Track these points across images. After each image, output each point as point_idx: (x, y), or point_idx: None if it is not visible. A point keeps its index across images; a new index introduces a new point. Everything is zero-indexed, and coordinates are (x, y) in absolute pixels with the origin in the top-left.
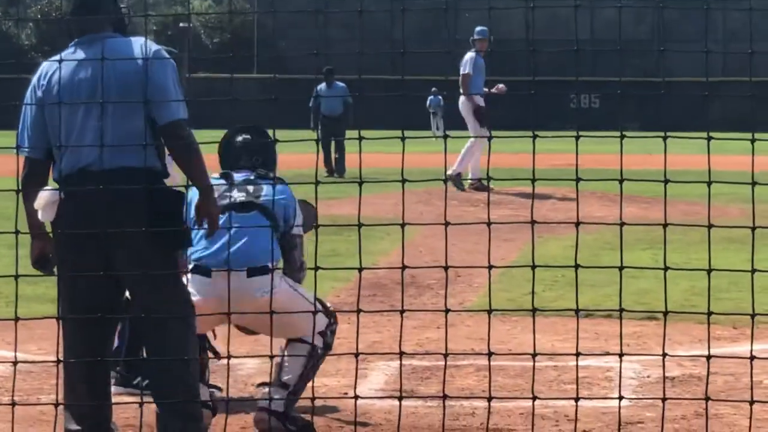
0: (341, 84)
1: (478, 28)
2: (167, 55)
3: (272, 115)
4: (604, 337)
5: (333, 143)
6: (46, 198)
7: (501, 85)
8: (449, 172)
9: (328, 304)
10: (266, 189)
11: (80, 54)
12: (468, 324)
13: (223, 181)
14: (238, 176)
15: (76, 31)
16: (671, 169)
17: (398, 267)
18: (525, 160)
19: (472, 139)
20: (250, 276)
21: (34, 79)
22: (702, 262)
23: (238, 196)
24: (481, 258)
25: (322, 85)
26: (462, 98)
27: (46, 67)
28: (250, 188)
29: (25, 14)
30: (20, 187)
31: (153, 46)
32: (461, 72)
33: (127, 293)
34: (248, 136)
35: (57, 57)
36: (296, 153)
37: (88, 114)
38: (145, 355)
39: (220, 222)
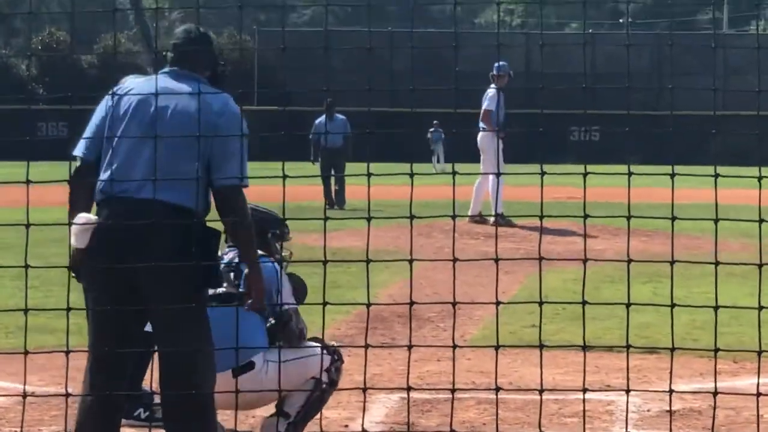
0: (342, 117)
1: (498, 63)
2: (245, 121)
3: (273, 148)
4: (605, 370)
5: (333, 175)
6: (81, 222)
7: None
8: (470, 212)
9: (333, 343)
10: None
11: (167, 83)
12: (468, 357)
13: None
14: (226, 257)
15: (174, 61)
16: (674, 203)
17: (405, 303)
18: (528, 193)
19: (481, 177)
20: (236, 376)
21: (115, 91)
22: (703, 296)
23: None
24: (481, 291)
25: (323, 118)
26: (481, 133)
27: (130, 83)
28: (232, 275)
29: (27, 46)
30: (69, 185)
31: (234, 106)
32: (483, 107)
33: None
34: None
35: (140, 79)
36: (295, 185)
37: (144, 142)
38: (159, 385)
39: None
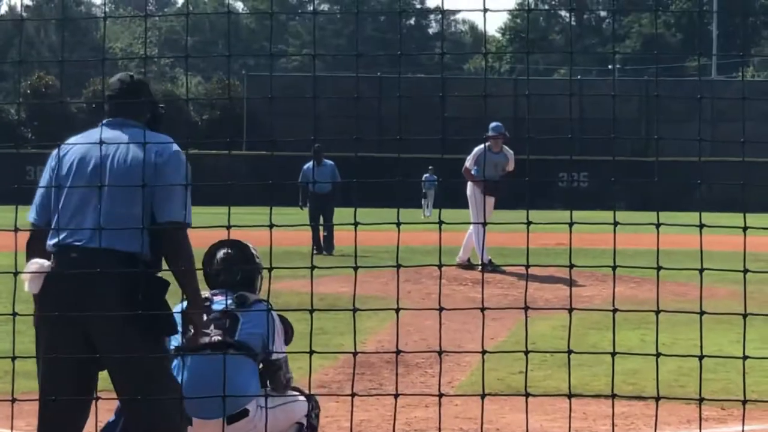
0: (330, 162)
1: (493, 124)
2: (184, 159)
3: (261, 192)
4: (592, 417)
5: (321, 224)
6: (33, 269)
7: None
8: (457, 260)
9: (306, 391)
10: (242, 321)
11: (106, 134)
12: (456, 403)
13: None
14: (216, 302)
15: (111, 112)
16: (661, 249)
17: (392, 351)
18: (516, 239)
19: (472, 226)
20: (230, 423)
21: (53, 154)
22: (689, 342)
23: (214, 334)
24: (469, 337)
25: (311, 164)
26: (468, 184)
27: (69, 143)
28: (227, 323)
29: (14, 89)
30: (26, 249)
31: (174, 147)
32: (465, 164)
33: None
34: (230, 251)
35: (79, 136)
36: (283, 231)
37: (90, 193)
38: None
39: (198, 359)
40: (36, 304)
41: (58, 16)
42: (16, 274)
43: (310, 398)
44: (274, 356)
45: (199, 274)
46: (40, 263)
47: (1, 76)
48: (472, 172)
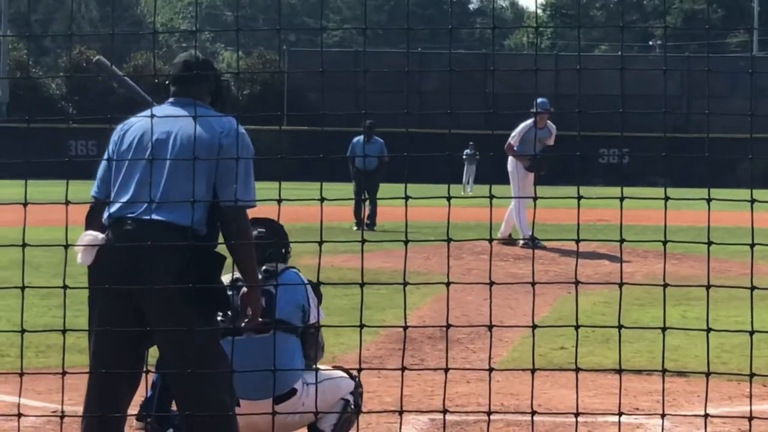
0: (380, 140)
1: (539, 100)
2: (249, 141)
3: (298, 169)
4: (633, 393)
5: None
6: (87, 241)
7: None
8: (499, 235)
9: (354, 373)
10: (278, 297)
11: (169, 111)
12: (498, 379)
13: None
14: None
15: (176, 92)
16: (703, 226)
17: (441, 326)
18: (557, 215)
19: (513, 201)
20: (279, 403)
21: (117, 130)
22: (731, 319)
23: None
24: (510, 313)
25: (360, 138)
26: (509, 159)
27: (132, 119)
28: (264, 301)
29: (55, 65)
30: (85, 222)
31: (240, 128)
32: (509, 140)
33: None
34: (261, 230)
35: (147, 112)
36: (326, 206)
37: (149, 167)
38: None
39: (242, 341)
40: (89, 277)
41: None
42: (66, 247)
43: (354, 377)
44: (312, 319)
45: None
46: (93, 235)
47: (42, 50)
48: (515, 149)
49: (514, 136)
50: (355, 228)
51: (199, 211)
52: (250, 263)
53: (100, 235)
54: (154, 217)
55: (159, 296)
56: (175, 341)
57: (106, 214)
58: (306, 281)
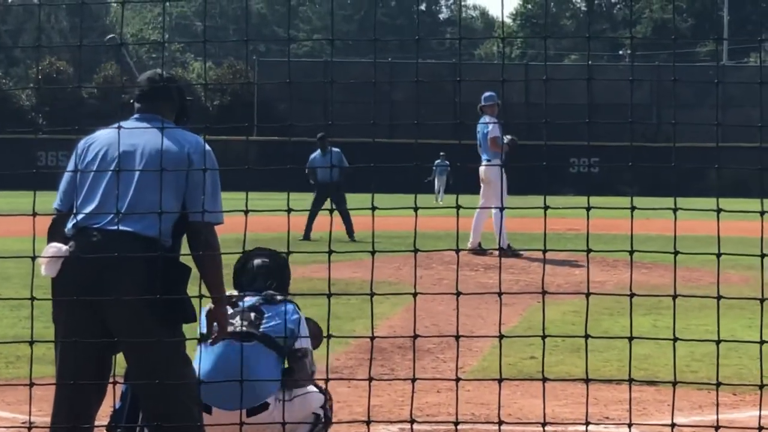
0: (336, 150)
1: (486, 94)
2: (214, 158)
3: (269, 179)
4: (603, 402)
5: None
6: (51, 253)
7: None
8: (469, 245)
9: (322, 386)
10: (268, 316)
11: (135, 125)
12: (468, 389)
13: (229, 308)
14: (246, 300)
15: (140, 109)
16: (672, 235)
17: (409, 336)
18: (527, 224)
19: (493, 211)
20: (250, 416)
21: (81, 143)
22: (702, 328)
23: (239, 324)
24: (480, 322)
25: (317, 153)
26: (485, 165)
27: (98, 133)
28: (253, 316)
29: (25, 75)
30: (47, 234)
31: (206, 144)
32: (489, 136)
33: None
34: (266, 260)
35: (114, 125)
36: (294, 216)
37: (114, 178)
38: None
39: (221, 348)
40: (53, 288)
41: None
42: (33, 258)
43: (323, 390)
44: (298, 344)
45: (228, 276)
46: (57, 247)
47: (12, 61)
48: (501, 140)
49: (495, 129)
50: (301, 239)
51: (165, 223)
52: (216, 277)
53: (64, 247)
54: (120, 227)
55: (125, 307)
56: (141, 352)
57: (69, 224)
58: (302, 316)
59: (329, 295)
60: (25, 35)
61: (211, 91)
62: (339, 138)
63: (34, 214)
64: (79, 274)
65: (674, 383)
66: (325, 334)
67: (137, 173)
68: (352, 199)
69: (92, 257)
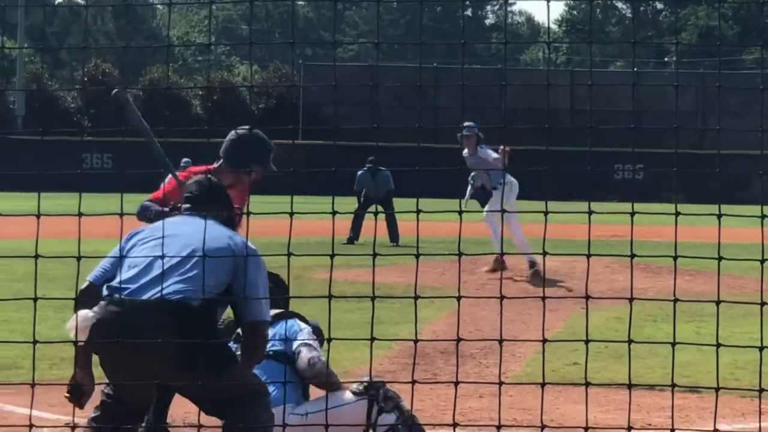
0: (386, 171)
1: (466, 124)
2: (261, 257)
3: (314, 183)
4: (646, 409)
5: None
6: (78, 323)
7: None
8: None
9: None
10: (271, 334)
11: (182, 219)
12: (510, 394)
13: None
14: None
15: (190, 209)
16: (716, 242)
17: (452, 339)
18: (571, 230)
19: (515, 219)
20: None
21: (127, 235)
22: (746, 335)
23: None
24: (523, 328)
25: (365, 171)
26: (504, 176)
27: (152, 224)
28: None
29: (71, 77)
30: (77, 301)
31: (251, 245)
32: (491, 161)
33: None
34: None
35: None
36: (338, 220)
37: (165, 252)
38: None
39: None
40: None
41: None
42: (79, 259)
43: (373, 395)
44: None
45: None
46: (83, 316)
47: (58, 63)
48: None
49: (492, 158)
50: (345, 242)
51: (198, 293)
52: (253, 361)
53: (90, 314)
54: (150, 295)
55: (170, 366)
56: (206, 398)
57: (107, 292)
58: (305, 326)
59: (373, 298)
60: (71, 37)
61: (256, 94)
62: (384, 142)
63: (80, 215)
64: (111, 339)
65: (717, 389)
66: (368, 337)
67: (179, 256)
68: (398, 204)
69: (128, 325)
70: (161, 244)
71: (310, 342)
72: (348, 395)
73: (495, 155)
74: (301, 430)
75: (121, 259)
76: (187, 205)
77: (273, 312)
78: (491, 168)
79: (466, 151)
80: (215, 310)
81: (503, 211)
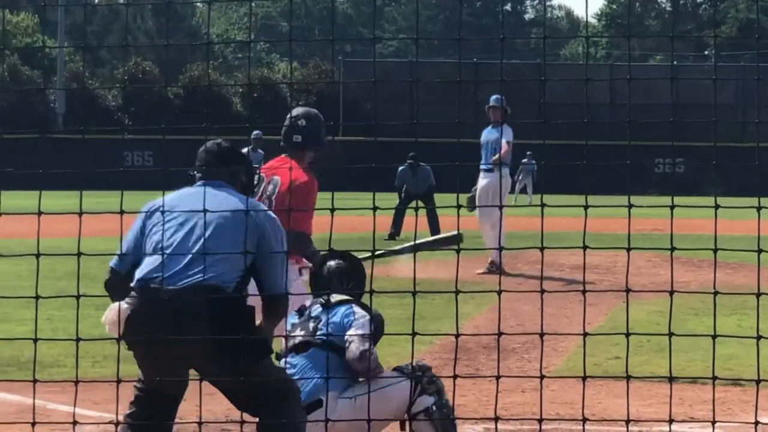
0: (426, 167)
1: (494, 97)
2: (282, 228)
3: (354, 178)
4: (688, 402)
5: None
6: (111, 316)
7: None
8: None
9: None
10: (323, 322)
11: (204, 190)
12: (553, 388)
13: (296, 317)
14: (312, 310)
15: (208, 175)
16: (760, 235)
17: (493, 333)
18: (612, 225)
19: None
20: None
21: (148, 205)
22: None
23: (298, 335)
24: (565, 322)
25: (406, 167)
26: (493, 174)
27: (167, 196)
28: (311, 326)
29: (111, 76)
30: (109, 292)
31: (271, 213)
32: (505, 140)
33: None
34: (340, 262)
35: (179, 191)
36: (379, 215)
37: (184, 237)
38: None
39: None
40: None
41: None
42: (121, 256)
43: (413, 376)
44: (346, 337)
45: None
46: (115, 309)
47: (98, 62)
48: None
49: (507, 135)
50: (386, 238)
51: (232, 274)
52: (272, 324)
53: (124, 305)
54: (186, 281)
55: (203, 356)
56: (237, 389)
57: (138, 277)
58: (362, 315)
59: (414, 293)
60: (111, 36)
61: (296, 90)
62: (423, 138)
63: (122, 212)
64: (145, 332)
65: (758, 381)
66: (409, 331)
67: (204, 230)
68: (439, 199)
69: (160, 314)
70: (183, 224)
71: (363, 333)
72: (393, 374)
73: (510, 138)
74: (350, 413)
75: (143, 238)
76: (200, 175)
77: (336, 297)
78: (498, 147)
79: (489, 127)
80: (246, 288)
81: (501, 206)
